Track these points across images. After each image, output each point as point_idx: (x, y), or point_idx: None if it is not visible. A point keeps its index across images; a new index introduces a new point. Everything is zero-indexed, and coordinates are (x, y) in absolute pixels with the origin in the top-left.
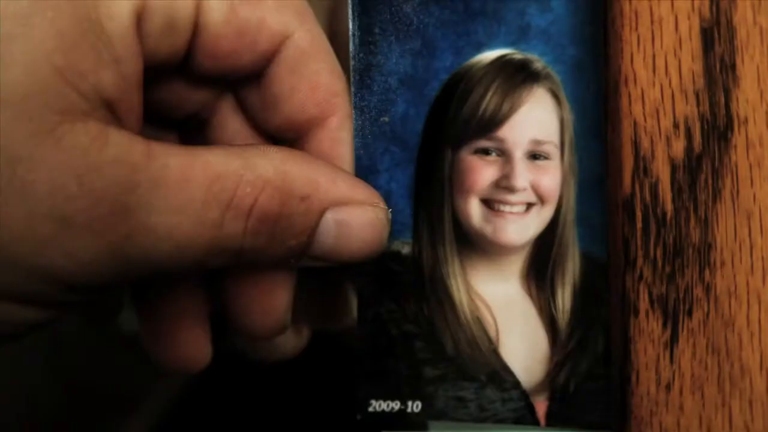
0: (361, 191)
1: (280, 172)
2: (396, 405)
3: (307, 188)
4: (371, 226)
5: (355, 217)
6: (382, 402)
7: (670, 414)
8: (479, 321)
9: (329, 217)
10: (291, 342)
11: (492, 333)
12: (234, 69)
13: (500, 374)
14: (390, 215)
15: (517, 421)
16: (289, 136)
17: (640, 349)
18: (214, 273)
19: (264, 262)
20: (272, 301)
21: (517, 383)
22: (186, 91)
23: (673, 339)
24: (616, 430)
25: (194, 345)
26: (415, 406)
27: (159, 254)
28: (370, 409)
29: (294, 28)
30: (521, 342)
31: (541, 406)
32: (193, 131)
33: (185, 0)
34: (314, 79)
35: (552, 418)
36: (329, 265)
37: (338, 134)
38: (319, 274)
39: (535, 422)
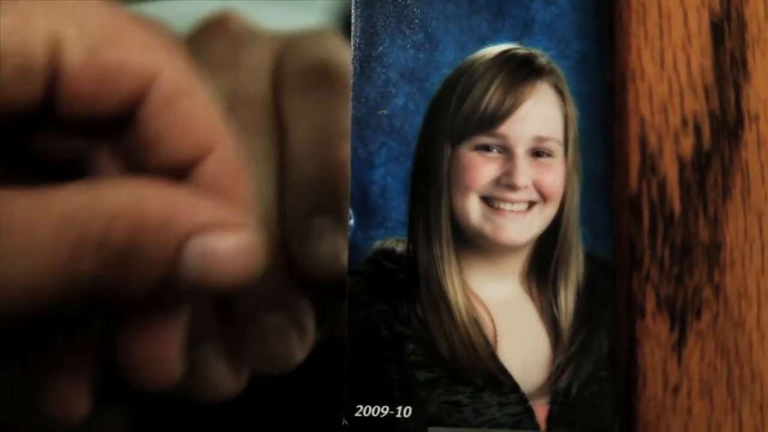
0: (227, 215)
1: (132, 202)
2: (385, 410)
3: (162, 216)
4: (237, 252)
5: (219, 243)
6: (369, 407)
7: (678, 418)
8: (476, 322)
9: (191, 245)
10: (230, 384)
11: (490, 335)
12: (99, 113)
13: (498, 378)
14: (261, 237)
15: (515, 426)
16: (172, 176)
17: (647, 352)
18: (99, 327)
19: (128, 297)
20: (160, 353)
21: (515, 387)
22: (56, 137)
23: (681, 341)
24: None
25: (70, 398)
26: (405, 412)
27: (9, 302)
28: (357, 414)
29: (160, 67)
30: (520, 344)
31: (541, 410)
32: (73, 177)
33: (39, 44)
34: (186, 117)
35: (553, 423)
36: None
37: (222, 166)
38: (254, 317)
39: (535, 427)
